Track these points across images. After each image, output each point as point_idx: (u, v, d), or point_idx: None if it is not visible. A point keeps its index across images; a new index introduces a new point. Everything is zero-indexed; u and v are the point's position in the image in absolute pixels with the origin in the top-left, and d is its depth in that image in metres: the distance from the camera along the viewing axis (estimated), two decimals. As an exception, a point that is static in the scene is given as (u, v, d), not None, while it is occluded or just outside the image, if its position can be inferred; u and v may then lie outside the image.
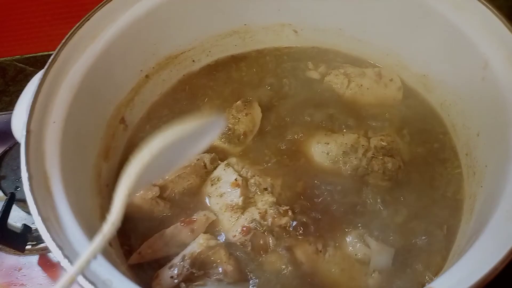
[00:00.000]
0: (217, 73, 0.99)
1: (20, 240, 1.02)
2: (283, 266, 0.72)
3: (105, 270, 0.57)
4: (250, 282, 0.72)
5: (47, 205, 0.60)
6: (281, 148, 0.87)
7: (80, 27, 0.76)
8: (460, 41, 0.74)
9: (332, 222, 0.76)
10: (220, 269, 0.71)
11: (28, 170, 0.61)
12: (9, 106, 1.17)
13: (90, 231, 0.61)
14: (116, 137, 0.87)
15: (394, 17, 0.87)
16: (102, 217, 0.74)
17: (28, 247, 1.02)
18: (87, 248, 0.51)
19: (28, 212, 1.04)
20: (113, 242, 0.74)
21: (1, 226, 1.04)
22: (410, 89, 0.91)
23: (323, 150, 0.83)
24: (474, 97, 0.74)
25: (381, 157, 0.79)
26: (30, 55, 1.19)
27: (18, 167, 1.04)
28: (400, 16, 0.86)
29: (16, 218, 1.05)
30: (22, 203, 1.03)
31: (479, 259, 0.52)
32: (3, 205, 0.98)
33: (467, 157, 0.78)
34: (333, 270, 0.71)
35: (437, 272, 0.70)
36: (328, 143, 0.84)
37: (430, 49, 0.83)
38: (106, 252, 0.62)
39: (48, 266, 1.03)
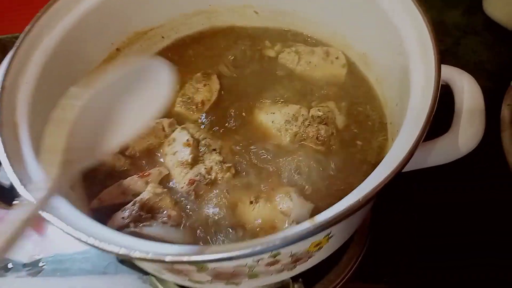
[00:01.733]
0: (184, 49, 1.10)
1: (8, 195, 1.15)
2: (218, 211, 0.83)
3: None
4: (187, 224, 0.82)
5: (13, 148, 0.71)
6: (233, 116, 0.97)
7: (54, 3, 0.87)
8: (385, 21, 0.83)
9: (268, 179, 0.87)
10: (165, 213, 0.83)
11: (0, 119, 0.73)
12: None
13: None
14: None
15: (340, 1, 0.96)
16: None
17: (15, 202, 1.15)
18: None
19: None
20: (77, 188, 0.86)
21: (-9, 182, 1.17)
22: (353, 66, 1.01)
23: (268, 118, 0.94)
24: (394, 71, 0.83)
25: (316, 125, 0.89)
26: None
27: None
28: (345, 1, 0.95)
29: (5, 177, 1.18)
30: None
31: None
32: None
33: (391, 125, 0.88)
34: (259, 218, 0.81)
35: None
36: (274, 113, 0.94)
37: (366, 30, 0.92)
38: (68, 195, 0.74)
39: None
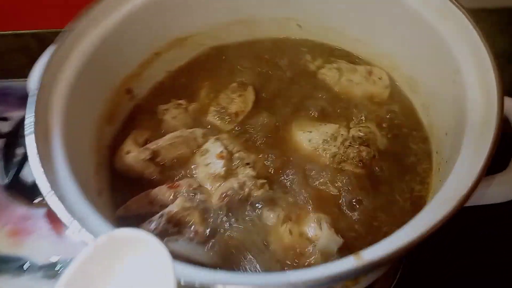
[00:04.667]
0: (220, 58, 1.07)
1: (30, 193, 1.13)
2: (248, 229, 0.79)
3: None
4: (215, 241, 0.78)
5: (44, 148, 0.69)
6: (269, 130, 0.93)
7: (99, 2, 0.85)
8: (440, 47, 0.79)
9: (300, 201, 0.82)
10: (192, 228, 0.79)
11: (35, 116, 0.70)
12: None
13: (81, 180, 0.70)
14: (121, 105, 0.95)
15: (389, 22, 0.92)
16: (96, 173, 0.83)
17: (37, 200, 1.13)
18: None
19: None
20: (104, 194, 0.83)
21: (16, 178, 1.16)
22: (397, 88, 0.97)
23: (305, 137, 0.90)
24: (446, 99, 0.78)
25: (357, 146, 0.85)
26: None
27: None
28: (394, 22, 0.91)
29: (29, 174, 1.16)
30: None
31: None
32: (18, 160, 1.10)
33: (437, 154, 0.83)
34: (286, 239, 0.77)
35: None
36: (311, 131, 0.90)
37: (416, 52, 0.88)
38: (94, 201, 0.71)
39: (54, 218, 1.14)
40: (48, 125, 0.72)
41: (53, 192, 0.64)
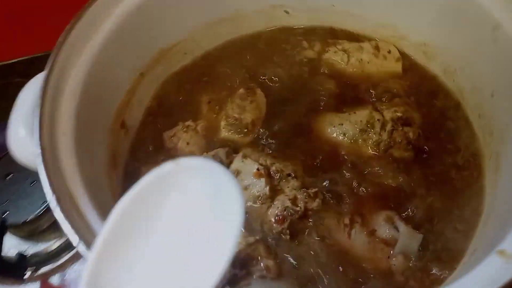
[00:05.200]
0: (211, 64, 0.95)
1: (17, 269, 0.94)
2: (319, 250, 0.71)
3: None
4: (288, 272, 0.70)
5: (83, 228, 0.54)
6: (293, 131, 0.84)
7: (72, 29, 0.69)
8: (465, 5, 0.74)
9: (359, 200, 0.76)
10: (262, 265, 0.69)
11: (54, 191, 0.55)
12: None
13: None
14: (120, 143, 0.81)
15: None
16: None
17: (27, 275, 0.94)
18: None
19: (21, 237, 0.96)
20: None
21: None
22: (409, 58, 0.92)
23: (339, 132, 0.82)
24: (485, 60, 0.75)
25: (401, 128, 0.79)
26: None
27: (3, 189, 0.95)
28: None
29: (9, 247, 0.96)
30: (13, 228, 0.94)
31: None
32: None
33: (480, 118, 0.79)
34: (360, 248, 0.70)
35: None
36: (342, 124, 0.82)
37: (429, 16, 0.84)
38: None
39: None
40: (72, 196, 0.57)
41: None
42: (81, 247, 0.51)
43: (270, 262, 0.69)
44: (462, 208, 0.74)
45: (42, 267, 0.94)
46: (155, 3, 0.80)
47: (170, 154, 0.82)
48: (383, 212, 0.73)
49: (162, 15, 0.83)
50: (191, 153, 0.81)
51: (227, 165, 0.80)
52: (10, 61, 1.01)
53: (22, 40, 1.01)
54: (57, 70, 0.65)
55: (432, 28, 0.85)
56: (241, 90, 0.87)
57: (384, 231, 0.71)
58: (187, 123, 0.84)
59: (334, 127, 0.83)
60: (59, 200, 0.54)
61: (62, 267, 0.94)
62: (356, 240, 0.72)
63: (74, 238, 0.52)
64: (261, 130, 0.85)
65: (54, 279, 0.93)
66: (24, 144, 0.62)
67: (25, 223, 0.91)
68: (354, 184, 0.77)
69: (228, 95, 0.89)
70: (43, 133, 0.59)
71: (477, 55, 0.77)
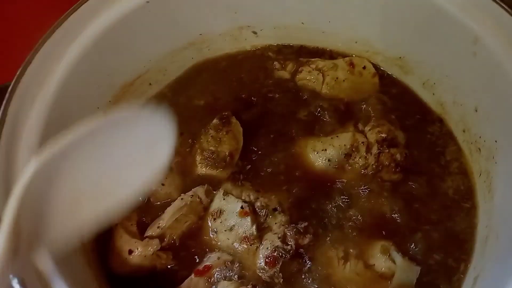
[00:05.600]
0: (177, 93, 0.88)
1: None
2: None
3: None
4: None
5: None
6: (274, 160, 0.80)
7: (30, 63, 0.62)
8: (442, 20, 0.72)
9: (352, 232, 0.72)
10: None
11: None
12: None
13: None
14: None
15: (359, 3, 0.83)
16: None
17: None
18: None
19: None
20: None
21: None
22: (385, 73, 0.89)
23: (323, 158, 0.78)
24: (465, 73, 0.73)
25: (387, 150, 0.76)
26: None
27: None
28: (366, 1, 0.82)
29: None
30: None
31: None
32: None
33: (465, 133, 0.77)
34: (355, 283, 0.66)
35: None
36: (325, 149, 0.78)
37: (404, 31, 0.81)
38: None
39: None
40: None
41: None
42: None
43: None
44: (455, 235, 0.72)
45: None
46: (113, 37, 0.73)
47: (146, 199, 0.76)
48: (379, 243, 0.69)
49: (120, 49, 0.76)
50: (167, 196, 0.75)
51: (207, 204, 0.74)
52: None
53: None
54: (15, 103, 0.58)
55: (407, 43, 0.82)
56: (215, 120, 0.81)
57: (380, 263, 0.67)
58: (160, 162, 0.78)
59: (317, 153, 0.78)
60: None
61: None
62: (352, 275, 0.67)
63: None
64: (239, 162, 0.80)
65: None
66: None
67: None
68: (346, 214, 0.73)
69: (201, 126, 0.83)
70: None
71: (456, 68, 0.75)
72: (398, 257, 0.66)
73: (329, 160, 0.77)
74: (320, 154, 0.78)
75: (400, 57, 0.85)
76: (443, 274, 0.68)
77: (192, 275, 0.67)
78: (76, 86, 0.69)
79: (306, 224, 0.71)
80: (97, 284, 0.64)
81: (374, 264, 0.68)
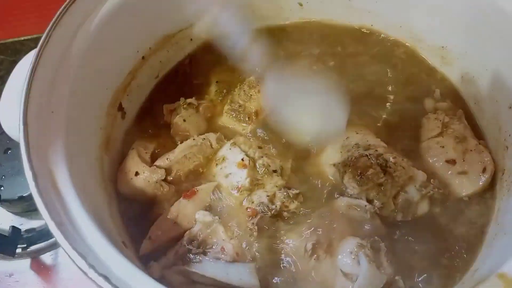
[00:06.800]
0: (217, 51, 0.91)
1: (9, 244, 0.91)
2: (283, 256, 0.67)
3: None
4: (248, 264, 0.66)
5: (58, 207, 0.54)
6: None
7: (68, 7, 0.67)
8: (499, 18, 0.69)
9: (334, 221, 0.69)
10: (217, 246, 0.66)
11: (32, 168, 0.54)
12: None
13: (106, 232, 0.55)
14: (115, 126, 0.80)
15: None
16: (112, 216, 0.68)
17: (18, 250, 0.92)
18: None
19: (15, 213, 0.94)
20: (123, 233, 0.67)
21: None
22: (425, 61, 0.86)
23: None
24: (508, 70, 0.69)
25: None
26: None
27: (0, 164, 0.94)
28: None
29: (2, 220, 0.95)
30: (8, 203, 0.92)
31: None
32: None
33: (499, 131, 0.73)
34: (317, 273, 0.65)
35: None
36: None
37: (451, 21, 0.78)
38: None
39: (43, 270, 0.92)
40: (52, 174, 0.57)
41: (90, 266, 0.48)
42: (51, 226, 0.50)
43: (228, 245, 0.66)
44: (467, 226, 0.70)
45: (33, 244, 0.92)
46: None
47: (166, 131, 0.81)
48: (353, 240, 0.64)
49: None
50: (184, 130, 0.80)
51: (216, 150, 0.78)
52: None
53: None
54: (51, 48, 0.64)
55: (452, 33, 0.79)
56: (252, 77, 0.84)
57: (345, 262, 0.63)
58: (189, 100, 0.83)
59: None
60: (35, 177, 0.53)
61: (53, 246, 0.91)
62: (317, 265, 0.65)
63: (45, 216, 0.51)
64: (262, 122, 0.82)
65: (45, 258, 0.92)
66: (13, 119, 0.62)
67: (20, 198, 0.90)
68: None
69: (239, 80, 0.86)
70: (28, 109, 0.58)
71: (501, 64, 0.71)
72: (364, 261, 0.61)
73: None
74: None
75: (442, 47, 0.83)
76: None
77: (181, 198, 0.71)
78: (117, 28, 0.74)
79: (298, 192, 0.72)
80: (109, 212, 0.68)
81: (338, 261, 0.64)
